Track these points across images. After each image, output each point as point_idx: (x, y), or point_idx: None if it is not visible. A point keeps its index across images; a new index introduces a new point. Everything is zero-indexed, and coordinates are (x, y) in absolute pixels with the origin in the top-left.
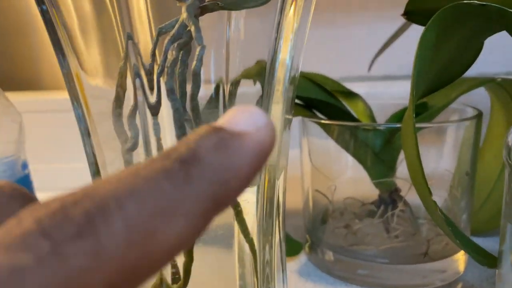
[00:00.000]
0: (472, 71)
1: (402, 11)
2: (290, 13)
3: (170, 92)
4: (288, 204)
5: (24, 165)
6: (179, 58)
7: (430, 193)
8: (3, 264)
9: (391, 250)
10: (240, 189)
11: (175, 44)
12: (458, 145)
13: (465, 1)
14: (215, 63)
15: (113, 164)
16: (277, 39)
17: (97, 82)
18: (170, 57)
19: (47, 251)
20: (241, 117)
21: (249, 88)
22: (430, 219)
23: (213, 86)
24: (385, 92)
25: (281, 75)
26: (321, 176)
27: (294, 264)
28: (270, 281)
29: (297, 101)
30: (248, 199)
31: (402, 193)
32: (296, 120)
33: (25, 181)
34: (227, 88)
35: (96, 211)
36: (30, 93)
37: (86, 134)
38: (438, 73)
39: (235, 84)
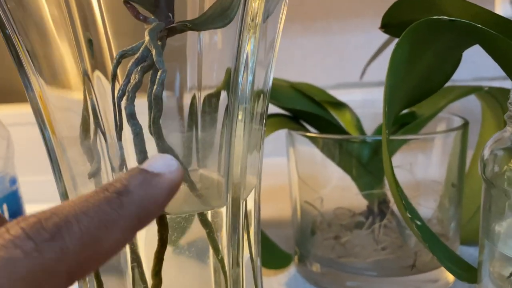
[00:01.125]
0: (468, 75)
1: None
2: (251, 24)
3: (130, 117)
4: (278, 214)
5: (13, 181)
6: (141, 81)
7: (406, 208)
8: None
9: (379, 263)
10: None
11: (139, 68)
12: (447, 154)
13: (435, 17)
14: (190, 74)
15: (82, 186)
16: (238, 50)
17: (62, 105)
18: (132, 80)
19: (31, 248)
20: (159, 162)
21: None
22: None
23: (189, 97)
24: (380, 99)
25: (245, 88)
26: (308, 187)
27: (283, 276)
28: None
29: (284, 112)
30: (220, 219)
31: (391, 204)
32: (283, 131)
33: (14, 197)
34: (200, 103)
35: (62, 223)
36: (18, 106)
37: (54, 158)
38: (415, 87)
39: (209, 97)
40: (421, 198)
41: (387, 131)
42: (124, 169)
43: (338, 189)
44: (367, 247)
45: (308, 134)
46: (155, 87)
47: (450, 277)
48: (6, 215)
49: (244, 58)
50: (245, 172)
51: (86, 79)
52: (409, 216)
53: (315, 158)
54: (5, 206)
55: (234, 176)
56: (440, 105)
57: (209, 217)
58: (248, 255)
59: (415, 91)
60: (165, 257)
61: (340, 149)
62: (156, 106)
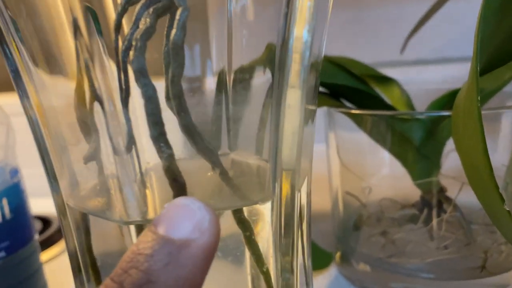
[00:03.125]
0: None
1: None
2: None
3: (140, 75)
4: (316, 207)
5: (14, 172)
6: (154, 26)
7: (503, 199)
8: None
9: (438, 263)
10: None
11: (151, 9)
12: None
13: None
14: (216, 48)
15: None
16: (288, 11)
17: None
18: (142, 26)
19: None
20: (185, 221)
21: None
22: (485, 225)
23: (214, 77)
24: (417, 78)
25: (297, 55)
26: (352, 176)
27: (323, 278)
28: None
29: (321, 89)
30: (261, 217)
31: (449, 194)
32: (321, 111)
33: (15, 190)
34: (230, 79)
35: None
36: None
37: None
38: (502, 43)
39: (242, 73)
40: None
41: (478, 98)
42: (134, 152)
43: (387, 178)
44: (423, 244)
45: (352, 111)
46: (173, 31)
47: None
48: (7, 210)
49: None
50: (300, 154)
51: (79, 34)
52: (507, 209)
53: (359, 141)
54: (4, 201)
55: (284, 160)
56: (505, 78)
57: (246, 214)
58: (300, 257)
59: (500, 49)
60: None
61: (389, 129)
62: (175, 59)
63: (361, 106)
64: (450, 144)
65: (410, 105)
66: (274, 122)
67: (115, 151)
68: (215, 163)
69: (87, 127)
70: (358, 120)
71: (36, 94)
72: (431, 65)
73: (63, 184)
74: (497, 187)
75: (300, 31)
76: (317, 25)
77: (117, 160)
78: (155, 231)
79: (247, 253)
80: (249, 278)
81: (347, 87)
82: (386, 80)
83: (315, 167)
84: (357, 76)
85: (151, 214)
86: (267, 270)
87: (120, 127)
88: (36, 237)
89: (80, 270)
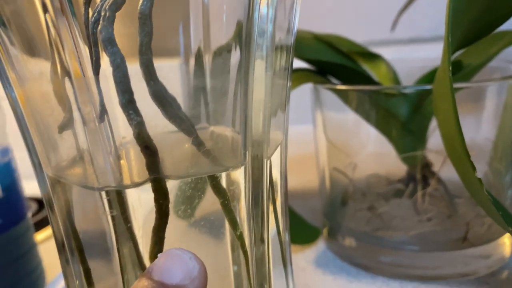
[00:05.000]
0: None
1: None
2: None
3: (108, 44)
4: (303, 185)
5: (5, 151)
6: None
7: (474, 168)
8: None
9: (422, 236)
10: None
11: None
12: (500, 108)
13: None
14: (193, 28)
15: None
16: None
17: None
18: None
19: None
20: (177, 269)
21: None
22: (468, 197)
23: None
24: (410, 57)
25: (261, 30)
26: (338, 153)
27: (311, 252)
28: (264, 282)
29: (308, 66)
30: (237, 186)
31: (435, 169)
32: (308, 89)
33: (7, 169)
34: (209, 56)
35: None
36: None
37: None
38: (474, 21)
39: (219, 50)
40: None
41: (450, 68)
42: (107, 122)
43: (373, 154)
44: (408, 218)
45: (338, 87)
46: (140, 1)
47: (506, 252)
48: None
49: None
50: (268, 125)
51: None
52: (478, 178)
53: (345, 117)
54: None
55: (254, 130)
56: (490, 53)
57: (224, 184)
58: (274, 229)
59: (472, 27)
60: (169, 235)
61: (375, 105)
62: (143, 28)
63: (347, 83)
64: (435, 120)
65: (396, 81)
66: (243, 94)
67: (84, 121)
68: (186, 130)
69: (61, 99)
70: (344, 97)
71: (13, 72)
72: (425, 43)
73: (43, 156)
74: (468, 155)
75: (262, 6)
76: (283, 2)
77: (87, 131)
78: (150, 277)
79: (226, 224)
80: (229, 249)
81: (334, 64)
82: (373, 57)
83: (304, 145)
84: (344, 53)
85: (126, 181)
86: (241, 234)
87: (92, 97)
88: (29, 215)
89: (64, 246)
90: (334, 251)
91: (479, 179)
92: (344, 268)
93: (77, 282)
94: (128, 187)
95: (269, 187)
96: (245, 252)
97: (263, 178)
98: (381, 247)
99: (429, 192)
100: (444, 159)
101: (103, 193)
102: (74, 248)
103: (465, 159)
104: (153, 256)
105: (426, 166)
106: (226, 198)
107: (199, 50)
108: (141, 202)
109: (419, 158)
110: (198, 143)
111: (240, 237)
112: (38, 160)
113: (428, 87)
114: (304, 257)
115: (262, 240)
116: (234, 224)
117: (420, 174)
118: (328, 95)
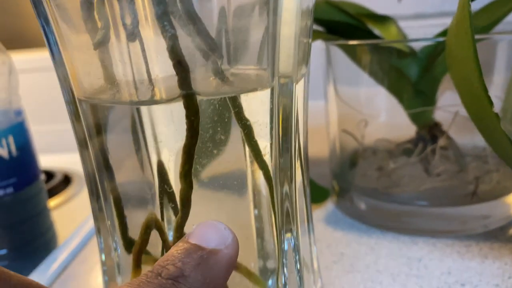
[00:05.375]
0: None
1: None
2: None
3: None
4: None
5: (18, 113)
6: None
7: (491, 103)
8: None
9: (432, 191)
10: None
11: None
12: (510, 67)
13: None
14: None
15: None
16: None
17: None
18: None
19: None
20: (213, 235)
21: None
22: (477, 156)
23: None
24: (417, 33)
25: None
26: (349, 114)
27: (321, 212)
28: (292, 220)
29: (317, 27)
30: (260, 121)
31: (444, 128)
32: (318, 65)
33: (20, 128)
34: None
35: None
36: (27, 51)
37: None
38: None
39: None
40: None
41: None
42: (139, 41)
43: (383, 116)
44: (417, 175)
45: (350, 42)
46: None
47: None
48: (13, 147)
49: None
50: (296, 60)
51: None
52: (495, 113)
53: (356, 78)
54: (11, 139)
55: (282, 65)
56: (498, 15)
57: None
58: (300, 179)
59: None
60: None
61: (386, 65)
62: None
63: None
64: (445, 82)
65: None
66: (272, 30)
67: (119, 38)
68: (212, 47)
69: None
70: (355, 56)
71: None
72: (430, 19)
73: (75, 81)
74: (485, 89)
75: None
76: None
77: (120, 48)
78: (188, 241)
79: (250, 184)
80: (251, 205)
81: (345, 24)
82: (383, 19)
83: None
84: (353, 16)
85: (157, 96)
86: (266, 165)
87: (125, 14)
88: (42, 177)
89: (95, 183)
90: (344, 211)
91: (496, 114)
92: (354, 225)
93: (109, 222)
94: (161, 102)
95: (295, 120)
96: (269, 179)
97: (292, 106)
98: (391, 203)
99: (439, 147)
100: (454, 116)
101: (135, 111)
102: (106, 182)
103: (482, 93)
104: (183, 175)
105: (436, 125)
106: (250, 130)
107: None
108: (173, 119)
109: (428, 118)
110: (222, 77)
111: (265, 166)
112: (70, 88)
113: (439, 39)
114: (315, 216)
115: (290, 179)
116: (257, 153)
117: (429, 134)
118: (339, 55)
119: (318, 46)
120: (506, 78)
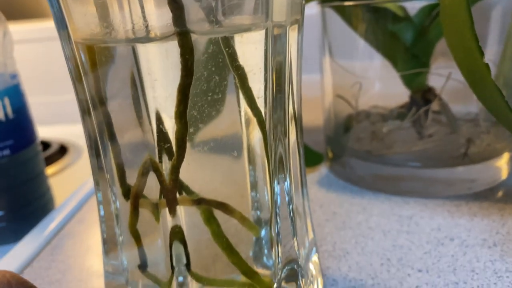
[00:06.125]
0: None
1: None
2: None
3: None
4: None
5: (13, 76)
6: None
7: (482, 54)
8: None
9: (424, 153)
10: None
11: None
12: (505, 28)
13: None
14: None
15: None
16: None
17: None
18: None
19: None
20: None
21: None
22: (469, 120)
23: None
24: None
25: None
26: (344, 80)
27: (314, 176)
28: (286, 169)
29: None
30: (254, 67)
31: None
32: (313, 39)
33: (16, 90)
34: None
35: None
36: (22, 22)
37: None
38: None
39: None
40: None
41: None
42: None
43: (378, 83)
44: (410, 136)
45: (346, 3)
46: None
47: (504, 169)
48: (9, 109)
49: None
50: (290, 12)
51: None
52: (486, 63)
53: (351, 44)
54: (6, 100)
55: (276, 13)
56: None
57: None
58: (294, 137)
59: None
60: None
61: (381, 29)
62: None
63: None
64: (439, 47)
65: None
66: None
67: None
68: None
69: None
70: (350, 20)
71: None
72: None
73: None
74: (476, 39)
75: None
76: None
77: None
78: None
79: (245, 147)
80: (246, 166)
81: None
82: None
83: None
84: None
85: (152, 34)
86: (259, 111)
87: None
88: (38, 141)
89: (96, 145)
90: (337, 174)
91: (487, 65)
92: (346, 187)
93: (108, 175)
94: (155, 39)
95: (289, 66)
96: (262, 124)
97: (286, 54)
98: (384, 165)
99: (431, 110)
100: (447, 78)
101: (130, 50)
102: (106, 131)
103: (473, 44)
104: (178, 115)
105: (429, 90)
106: (242, 75)
107: None
108: (168, 58)
109: (422, 82)
110: (216, 20)
111: (258, 112)
112: (66, 29)
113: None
114: (309, 179)
115: (285, 133)
116: (252, 101)
117: (423, 98)
118: (334, 20)
119: (314, 17)
120: (500, 43)
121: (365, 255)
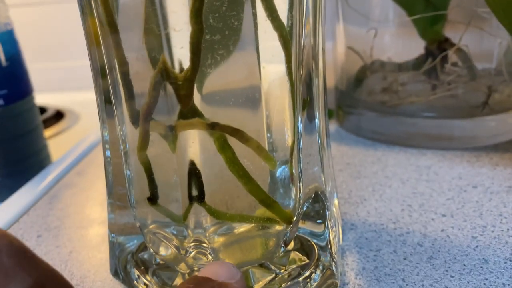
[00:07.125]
0: None
1: None
2: None
3: None
4: None
5: (6, 23)
6: None
7: None
8: None
9: (441, 101)
10: None
11: None
12: None
13: None
14: None
15: None
16: None
17: None
18: None
19: None
20: (222, 271)
21: None
22: (489, 71)
23: None
24: None
25: None
26: (358, 25)
27: None
28: (315, 105)
29: None
30: None
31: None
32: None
33: (9, 37)
34: None
35: None
36: None
37: None
38: None
39: None
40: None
41: None
42: None
43: (392, 29)
44: (426, 89)
45: None
46: None
47: None
48: (2, 57)
49: None
50: None
51: None
52: None
53: None
54: None
55: None
56: None
57: None
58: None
59: None
60: None
61: None
62: None
63: None
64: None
65: None
66: None
67: None
68: None
69: None
70: None
71: None
72: None
73: None
74: None
75: None
76: None
77: None
78: (198, 276)
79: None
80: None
81: None
82: None
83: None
84: None
85: None
86: (282, 24)
87: None
88: (34, 94)
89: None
90: (348, 129)
91: None
92: (359, 141)
93: (116, 102)
94: None
95: None
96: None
97: None
98: (398, 116)
99: (450, 57)
100: (467, 26)
101: None
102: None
103: None
104: (194, 14)
105: (446, 40)
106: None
107: None
108: None
109: (438, 32)
110: None
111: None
112: None
113: None
114: None
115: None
116: (274, 14)
117: (439, 49)
118: None
119: None
120: None
121: (383, 201)
